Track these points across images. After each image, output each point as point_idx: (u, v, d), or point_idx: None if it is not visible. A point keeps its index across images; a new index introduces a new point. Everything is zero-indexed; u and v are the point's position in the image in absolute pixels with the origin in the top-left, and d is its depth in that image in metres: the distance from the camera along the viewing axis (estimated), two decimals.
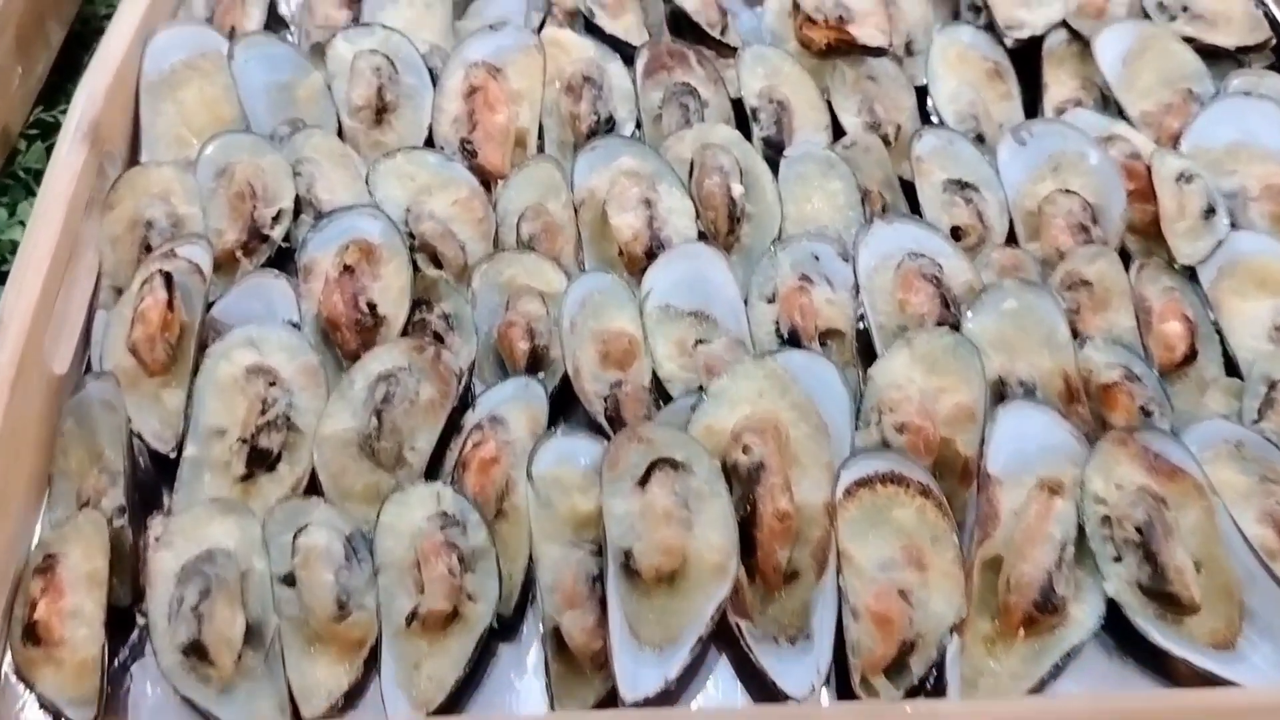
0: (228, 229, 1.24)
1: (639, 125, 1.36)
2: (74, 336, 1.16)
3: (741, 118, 1.36)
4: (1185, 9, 1.42)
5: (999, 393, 1.09)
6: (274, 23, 1.50)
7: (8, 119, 1.56)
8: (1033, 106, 1.40)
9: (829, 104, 1.37)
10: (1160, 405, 1.09)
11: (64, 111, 1.61)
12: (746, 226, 1.26)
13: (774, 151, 1.32)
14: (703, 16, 1.44)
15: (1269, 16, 1.41)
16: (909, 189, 1.30)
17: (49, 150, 1.56)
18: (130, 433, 1.08)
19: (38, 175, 1.55)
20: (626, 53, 1.42)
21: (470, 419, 1.10)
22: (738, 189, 1.25)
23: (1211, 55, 1.38)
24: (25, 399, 1.05)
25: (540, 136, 1.36)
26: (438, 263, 1.21)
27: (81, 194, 1.21)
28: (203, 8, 1.45)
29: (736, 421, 1.05)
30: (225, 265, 1.22)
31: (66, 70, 1.66)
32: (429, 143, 1.33)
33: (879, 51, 1.38)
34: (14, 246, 1.37)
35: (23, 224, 1.46)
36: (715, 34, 1.43)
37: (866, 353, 1.15)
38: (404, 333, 1.15)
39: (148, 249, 1.22)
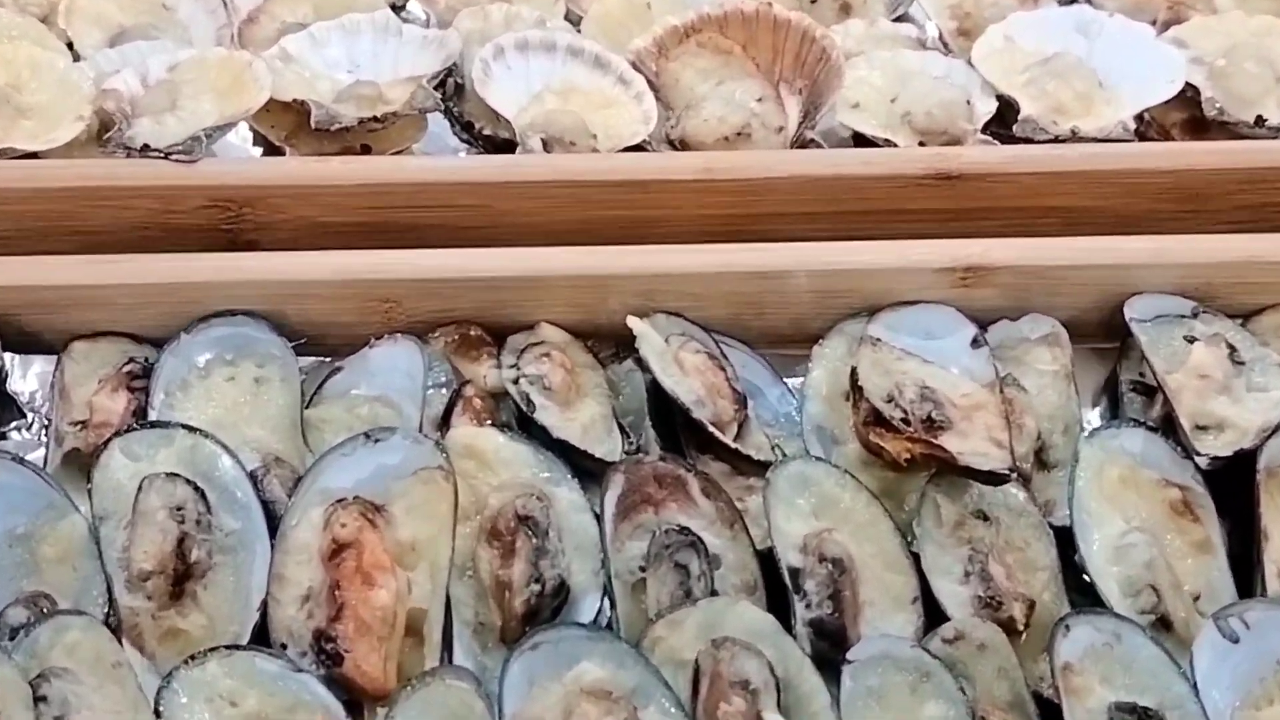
0: None
1: (608, 597, 0.90)
2: None
3: (773, 580, 0.91)
4: None
5: None
6: (5, 411, 1.03)
7: None
8: (1244, 560, 0.93)
9: (915, 558, 0.91)
10: None
11: None
12: None
13: (829, 644, 0.89)
14: (708, 412, 0.95)
15: None
16: (1052, 711, 0.85)
17: None
18: None
19: None
20: (585, 466, 0.96)
21: None
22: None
23: None
24: None
25: (447, 616, 0.89)
26: None
27: None
28: None
29: None
30: None
31: None
32: (262, 635, 0.87)
33: (994, 478, 0.90)
34: None
35: None
36: (728, 439, 0.96)
37: None
38: None
39: None
